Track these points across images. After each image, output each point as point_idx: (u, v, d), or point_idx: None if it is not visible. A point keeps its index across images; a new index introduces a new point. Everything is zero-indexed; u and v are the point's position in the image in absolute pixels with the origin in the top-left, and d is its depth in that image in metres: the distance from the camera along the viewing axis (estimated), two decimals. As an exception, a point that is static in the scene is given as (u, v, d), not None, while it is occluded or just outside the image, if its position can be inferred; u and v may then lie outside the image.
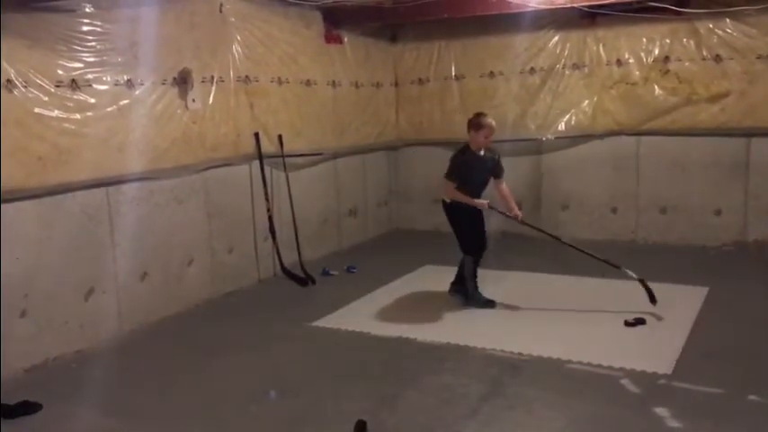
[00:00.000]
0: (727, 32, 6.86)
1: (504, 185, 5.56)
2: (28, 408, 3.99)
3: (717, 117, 7.05)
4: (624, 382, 4.10)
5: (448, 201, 5.50)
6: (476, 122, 5.34)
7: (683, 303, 5.46)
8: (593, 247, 7.40)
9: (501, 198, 5.59)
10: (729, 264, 6.69)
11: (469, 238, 5.55)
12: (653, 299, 5.25)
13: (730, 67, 6.90)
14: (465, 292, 5.64)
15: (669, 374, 4.16)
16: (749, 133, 6.94)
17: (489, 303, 5.58)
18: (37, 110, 4.58)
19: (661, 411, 3.73)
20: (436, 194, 8.55)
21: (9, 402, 4.01)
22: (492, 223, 5.91)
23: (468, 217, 5.48)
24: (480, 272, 5.70)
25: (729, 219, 7.16)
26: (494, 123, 5.34)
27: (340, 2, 6.83)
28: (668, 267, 6.50)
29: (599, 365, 4.32)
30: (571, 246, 5.65)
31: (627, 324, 5.01)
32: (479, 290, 5.63)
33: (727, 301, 5.51)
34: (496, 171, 5.50)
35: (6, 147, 4.39)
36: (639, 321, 5.04)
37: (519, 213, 5.52)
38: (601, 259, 5.48)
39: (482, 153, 5.41)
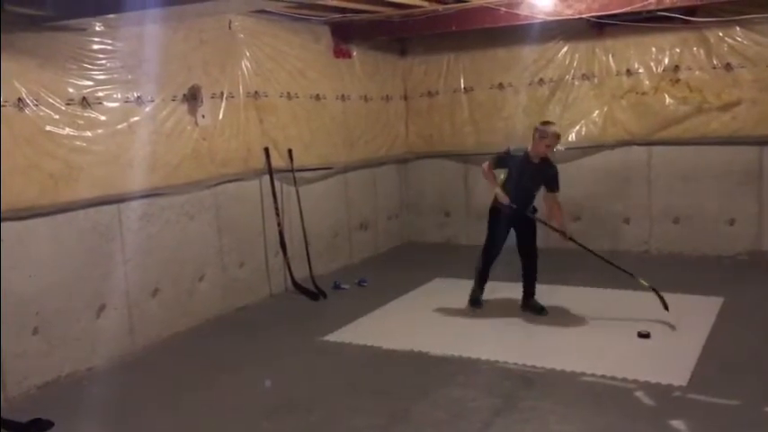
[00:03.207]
0: (738, 41, 6.82)
1: (553, 199, 5.57)
2: (40, 425, 3.99)
3: (729, 125, 7.00)
4: (639, 394, 4.06)
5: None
6: (541, 130, 5.37)
7: (697, 314, 5.40)
8: (607, 257, 7.44)
9: (547, 209, 5.66)
10: (744, 273, 6.63)
11: (487, 240, 5.72)
12: (665, 306, 5.23)
13: (741, 76, 6.86)
14: (533, 306, 5.64)
15: (684, 386, 4.11)
16: (762, 141, 6.88)
17: (474, 303, 5.79)
18: (48, 128, 4.61)
19: (677, 424, 3.69)
20: (447, 207, 8.64)
21: (21, 420, 4.02)
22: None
23: (495, 222, 5.63)
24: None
25: (743, 228, 7.09)
26: (552, 129, 5.37)
27: (348, 16, 6.86)
28: (682, 278, 6.45)
29: (613, 378, 4.28)
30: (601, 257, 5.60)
31: (640, 335, 4.97)
32: (476, 289, 5.82)
33: (743, 312, 5.45)
34: (549, 184, 5.51)
35: (18, 165, 4.42)
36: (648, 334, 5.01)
37: (564, 228, 5.54)
38: (617, 266, 5.50)
39: (537, 162, 5.43)
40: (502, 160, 5.56)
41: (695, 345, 4.74)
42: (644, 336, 4.96)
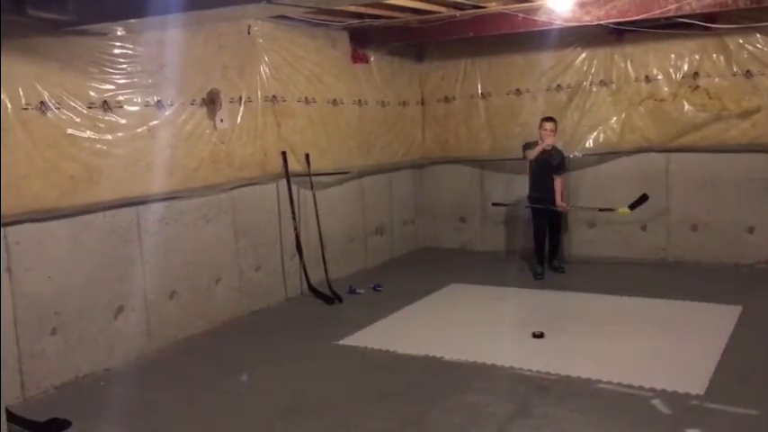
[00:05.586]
0: (758, 48, 6.76)
1: (558, 180, 7.01)
2: (57, 425, 4.04)
3: (748, 133, 6.93)
4: (655, 402, 4.03)
5: None
6: (540, 122, 6.96)
7: (715, 322, 5.36)
8: (624, 264, 7.41)
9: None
10: (763, 282, 6.55)
11: (533, 227, 7.22)
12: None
13: (761, 83, 6.79)
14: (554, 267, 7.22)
15: (702, 395, 4.07)
16: (781, 149, 6.83)
17: (537, 275, 7.01)
18: (70, 131, 4.67)
19: (693, 433, 3.66)
20: (462, 212, 8.63)
21: (39, 419, 4.07)
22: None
23: (533, 212, 7.16)
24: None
25: (762, 236, 7.01)
26: (548, 125, 6.88)
27: (366, 22, 6.89)
28: (700, 286, 6.40)
29: (629, 385, 4.25)
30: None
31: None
32: (536, 264, 7.12)
33: (761, 321, 5.39)
34: (555, 168, 6.93)
35: (39, 167, 4.49)
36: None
37: (562, 204, 7.00)
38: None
39: (548, 150, 6.85)
40: (527, 146, 7.06)
41: (713, 353, 4.70)
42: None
